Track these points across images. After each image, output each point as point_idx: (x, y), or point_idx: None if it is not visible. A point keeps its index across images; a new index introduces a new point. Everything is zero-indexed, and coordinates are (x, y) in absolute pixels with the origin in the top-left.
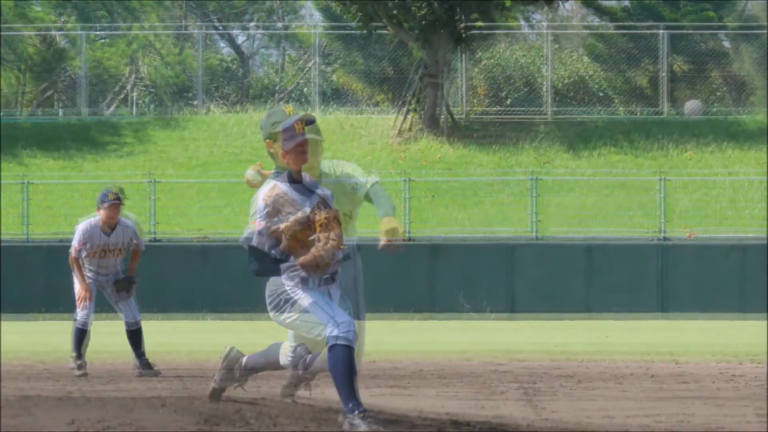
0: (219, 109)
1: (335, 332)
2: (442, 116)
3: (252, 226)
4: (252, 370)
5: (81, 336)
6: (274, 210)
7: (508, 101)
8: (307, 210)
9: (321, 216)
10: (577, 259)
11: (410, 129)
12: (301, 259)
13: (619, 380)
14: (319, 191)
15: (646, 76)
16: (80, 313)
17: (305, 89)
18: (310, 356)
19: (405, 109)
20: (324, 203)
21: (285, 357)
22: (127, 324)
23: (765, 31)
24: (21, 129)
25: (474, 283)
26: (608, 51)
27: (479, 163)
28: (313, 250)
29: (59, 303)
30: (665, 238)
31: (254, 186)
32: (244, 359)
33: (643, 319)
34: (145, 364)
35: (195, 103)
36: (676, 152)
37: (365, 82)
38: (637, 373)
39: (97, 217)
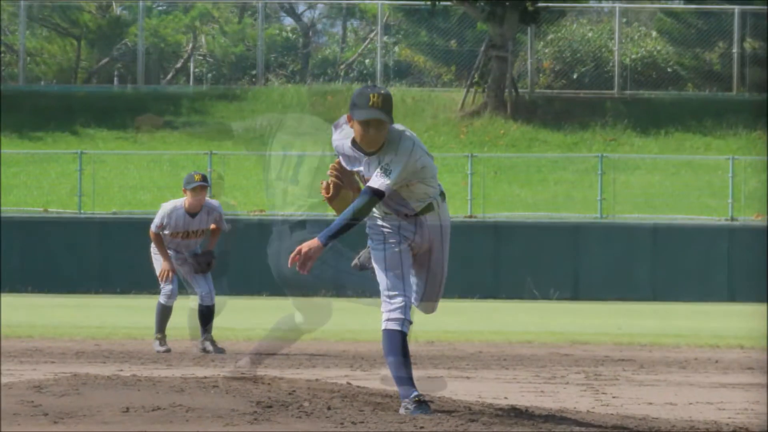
0: (278, 80)
1: (387, 314)
2: (507, 91)
3: None
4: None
5: (165, 314)
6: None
7: (574, 76)
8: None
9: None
10: (643, 241)
11: (473, 104)
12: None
13: (683, 366)
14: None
15: (717, 54)
16: (165, 289)
17: (367, 61)
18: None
19: (469, 83)
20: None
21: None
22: (202, 299)
23: None
24: (75, 99)
25: (538, 265)
26: (678, 28)
27: (544, 140)
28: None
29: (113, 279)
30: (733, 219)
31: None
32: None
33: (710, 303)
34: (211, 343)
35: (254, 73)
36: (745, 132)
37: (429, 56)
38: (702, 358)
39: (183, 199)
